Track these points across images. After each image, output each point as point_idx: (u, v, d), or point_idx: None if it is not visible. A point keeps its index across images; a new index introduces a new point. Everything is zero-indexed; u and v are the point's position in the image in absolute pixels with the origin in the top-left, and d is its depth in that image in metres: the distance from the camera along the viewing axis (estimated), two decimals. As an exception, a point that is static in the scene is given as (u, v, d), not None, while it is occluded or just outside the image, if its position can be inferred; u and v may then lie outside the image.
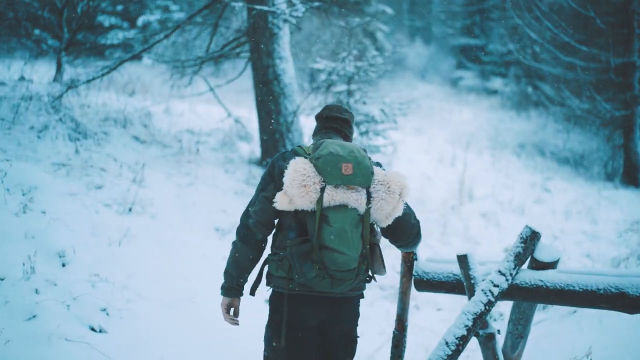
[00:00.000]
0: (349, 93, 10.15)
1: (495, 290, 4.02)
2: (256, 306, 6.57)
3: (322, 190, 3.55)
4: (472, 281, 4.15)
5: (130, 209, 7.89)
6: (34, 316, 5.32)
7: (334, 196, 3.54)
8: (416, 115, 24.17)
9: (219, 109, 14.71)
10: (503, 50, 32.42)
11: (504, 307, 7.97)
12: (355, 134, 10.27)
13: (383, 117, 10.25)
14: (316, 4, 10.26)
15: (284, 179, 3.57)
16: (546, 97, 23.83)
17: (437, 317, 8.01)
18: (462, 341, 3.90)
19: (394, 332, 4.56)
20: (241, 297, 4.00)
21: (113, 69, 10.93)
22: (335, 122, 4.06)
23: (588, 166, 19.00)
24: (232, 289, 3.92)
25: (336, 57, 10.45)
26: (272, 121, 10.23)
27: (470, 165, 16.83)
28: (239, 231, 3.84)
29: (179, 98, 14.97)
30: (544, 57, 21.23)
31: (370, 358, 6.56)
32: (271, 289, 3.87)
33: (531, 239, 4.05)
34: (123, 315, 5.88)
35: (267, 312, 3.88)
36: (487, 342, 4.22)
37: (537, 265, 4.11)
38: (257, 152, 11.52)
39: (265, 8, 9.17)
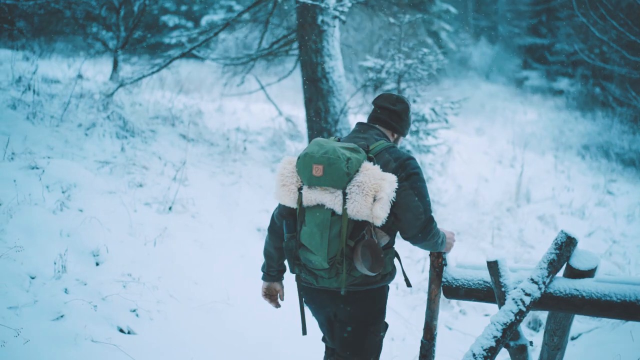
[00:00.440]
0: (399, 92, 9.89)
1: (527, 300, 3.78)
2: (289, 311, 6.43)
3: (301, 189, 3.72)
4: (503, 289, 3.91)
5: (170, 208, 7.80)
6: (61, 316, 5.23)
7: (310, 196, 3.66)
8: (479, 115, 23.83)
9: (271, 107, 14.62)
10: (570, 50, 31.66)
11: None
12: (408, 135, 10.01)
13: (433, 117, 9.96)
14: (364, -1, 10.05)
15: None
16: (613, 97, 23.15)
17: (483, 322, 7.73)
18: (491, 353, 3.67)
19: (422, 341, 4.34)
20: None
21: (163, 67, 10.90)
22: (383, 112, 4.03)
23: (654, 168, 18.39)
24: (266, 274, 4.20)
25: (386, 54, 10.18)
26: (320, 120, 10.04)
27: (531, 166, 16.42)
28: (269, 222, 4.08)
29: (231, 96, 14.89)
30: (610, 56, 20.60)
31: (409, 364, 6.34)
32: None
33: (566, 245, 3.79)
34: (153, 317, 5.76)
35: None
36: (519, 354, 3.98)
37: (573, 274, 3.85)
38: (306, 152, 11.36)
39: (310, 1, 8.96)
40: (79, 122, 9.51)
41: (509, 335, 3.72)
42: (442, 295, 4.36)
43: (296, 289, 4.13)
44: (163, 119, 10.79)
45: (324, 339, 4.29)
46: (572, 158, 18.81)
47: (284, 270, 4.22)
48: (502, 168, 15.52)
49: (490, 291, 4.06)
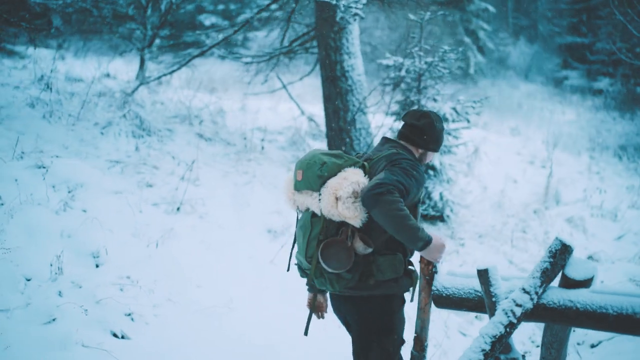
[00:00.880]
0: (419, 90, 9.65)
1: (518, 311, 3.56)
2: (292, 316, 6.26)
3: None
4: (494, 299, 3.70)
5: (178, 209, 7.67)
6: (53, 319, 5.14)
7: (298, 200, 3.95)
8: (515, 115, 23.47)
9: (294, 106, 14.45)
10: (610, 49, 31.06)
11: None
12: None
13: (454, 116, 9.71)
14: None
15: None
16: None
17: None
18: (478, 368, 3.46)
19: (412, 353, 4.12)
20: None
21: (183, 65, 10.84)
22: (407, 128, 4.15)
23: (694, 170, 17.85)
24: (309, 285, 4.22)
25: (406, 52, 9.94)
26: (339, 119, 9.86)
27: (563, 167, 16.05)
28: None
29: (256, 95, 14.74)
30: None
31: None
32: None
33: (561, 253, 3.56)
34: (149, 321, 5.62)
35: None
36: (510, 368, 3.76)
37: (568, 283, 3.62)
38: (325, 151, 11.16)
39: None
40: (95, 121, 9.44)
41: (498, 348, 3.52)
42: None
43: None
44: (182, 118, 10.68)
45: None
46: (609, 159, 18.36)
47: None
48: (533, 169, 15.16)
49: (481, 301, 3.84)
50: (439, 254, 3.82)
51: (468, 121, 9.83)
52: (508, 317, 3.55)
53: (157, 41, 18.62)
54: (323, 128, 12.82)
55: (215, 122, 11.22)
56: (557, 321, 3.60)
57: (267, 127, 12.36)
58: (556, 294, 3.59)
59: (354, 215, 3.67)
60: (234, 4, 30.49)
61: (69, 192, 6.99)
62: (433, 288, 3.97)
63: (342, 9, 8.40)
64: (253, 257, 7.31)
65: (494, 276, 3.70)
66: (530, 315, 3.62)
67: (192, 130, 10.33)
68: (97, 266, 6.12)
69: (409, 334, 4.21)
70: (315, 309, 4.29)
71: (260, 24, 11.83)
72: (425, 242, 3.68)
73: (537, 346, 7.06)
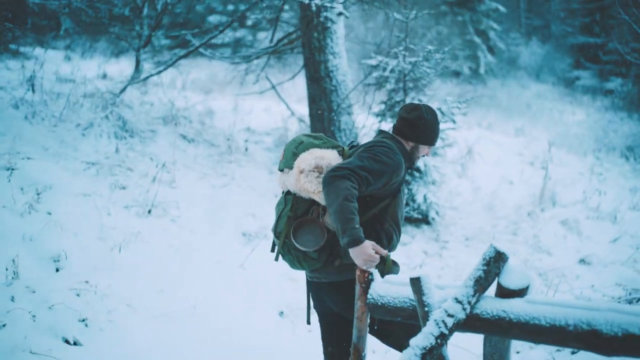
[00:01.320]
0: (404, 91, 9.48)
1: (450, 321, 3.40)
2: (262, 323, 6.14)
3: None
4: (426, 309, 3.53)
5: (149, 211, 7.55)
6: (3, 325, 5.01)
7: (280, 180, 4.05)
8: (523, 116, 23.25)
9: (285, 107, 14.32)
10: (623, 49, 30.69)
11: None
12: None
13: (440, 117, 9.53)
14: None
15: None
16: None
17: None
18: (407, 381, 3.31)
19: (349, 363, 3.98)
20: None
21: (169, 66, 10.77)
22: (398, 121, 4.19)
23: (702, 171, 17.54)
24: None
25: (391, 52, 9.77)
26: (323, 120, 9.72)
27: (566, 168, 15.83)
28: None
29: (247, 96, 14.61)
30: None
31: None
32: None
33: (495, 260, 3.40)
34: (104, 327, 5.49)
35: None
36: (443, 381, 3.60)
37: (503, 293, 3.45)
38: (312, 152, 11.00)
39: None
40: (78, 122, 9.34)
41: (429, 360, 3.36)
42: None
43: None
44: (168, 119, 10.56)
45: None
46: (615, 160, 18.10)
47: None
48: (532, 170, 14.91)
49: (416, 310, 3.69)
50: (361, 260, 3.65)
51: (454, 122, 9.64)
52: (439, 327, 3.40)
53: (166, 41, 18.63)
54: (312, 129, 12.69)
55: (202, 123, 11.10)
56: (491, 332, 3.45)
57: (257, 128, 12.24)
58: (490, 304, 3.43)
59: (316, 190, 3.77)
60: (243, 4, 30.44)
61: (38, 194, 6.89)
62: (369, 297, 3.82)
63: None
64: (223, 261, 7.18)
65: (426, 285, 3.54)
66: (463, 325, 3.46)
67: (176, 132, 10.20)
68: (57, 270, 6.01)
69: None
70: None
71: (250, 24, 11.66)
72: (351, 240, 3.57)
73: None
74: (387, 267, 3.93)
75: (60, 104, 9.87)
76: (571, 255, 10.22)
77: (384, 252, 3.75)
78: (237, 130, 11.63)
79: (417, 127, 4.11)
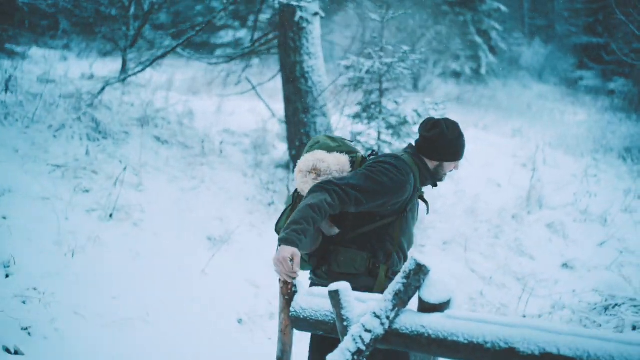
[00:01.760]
0: (381, 92, 9.32)
1: (367, 337, 3.25)
2: (221, 331, 6.01)
3: None
4: (345, 323, 3.37)
5: (111, 215, 7.39)
6: (-59, 334, 4.87)
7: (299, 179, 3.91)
8: (523, 116, 23.06)
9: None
10: (626, 49, 30.39)
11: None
12: (389, 137, 9.43)
13: (416, 119, 9.37)
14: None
15: None
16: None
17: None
18: (321, 401, 3.16)
19: (274, 378, 3.82)
20: None
21: (147, 66, 10.63)
22: (420, 139, 4.07)
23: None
24: None
25: (367, 53, 9.61)
26: (299, 122, 9.57)
27: (560, 169, 15.64)
28: None
29: (229, 96, 14.43)
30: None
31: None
32: None
33: (415, 273, 3.24)
34: (48, 335, 5.33)
35: None
36: (361, 400, 3.43)
37: (424, 307, 3.29)
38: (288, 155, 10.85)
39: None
40: (50, 124, 9.21)
41: (345, 378, 3.20)
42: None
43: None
44: (145, 120, 10.40)
45: None
46: (613, 161, 17.88)
47: None
48: (524, 172, 14.69)
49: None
50: (275, 259, 3.46)
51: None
52: (356, 343, 3.24)
53: (163, 41, 18.49)
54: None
55: (181, 124, 10.95)
56: (411, 348, 3.29)
57: (237, 130, 12.08)
58: (410, 319, 3.28)
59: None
60: (243, 5, 30.30)
61: (-4, 198, 6.76)
62: (291, 309, 3.67)
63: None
64: (184, 266, 7.02)
65: (346, 298, 3.38)
66: (383, 340, 3.30)
67: (151, 133, 10.05)
68: (7, 276, 5.86)
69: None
70: None
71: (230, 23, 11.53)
72: (282, 238, 3.44)
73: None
74: (378, 281, 3.90)
75: (37, 105, 9.74)
76: (554, 259, 10.06)
77: (295, 274, 3.54)
78: (216, 131, 11.49)
79: (439, 145, 3.97)
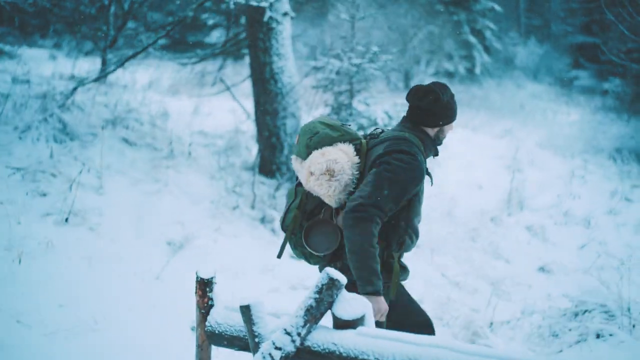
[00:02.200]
0: (351, 93, 9.17)
1: (277, 354, 3.10)
2: (174, 339, 5.86)
3: None
4: (257, 339, 3.22)
5: (66, 220, 7.22)
6: None
7: (294, 165, 3.93)
8: (515, 116, 22.90)
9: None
10: (622, 49, 30.20)
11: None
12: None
13: (387, 120, 9.22)
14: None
15: None
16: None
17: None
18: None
19: (194, 396, 3.67)
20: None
21: (119, 67, 10.50)
22: (412, 109, 3.96)
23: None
24: None
25: (337, 54, 9.45)
26: (268, 124, 9.42)
27: (546, 170, 15.48)
28: None
29: (208, 96, 14.26)
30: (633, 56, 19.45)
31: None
32: None
33: (328, 288, 3.08)
34: (-17, 346, 5.18)
35: None
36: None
37: (337, 324, 3.15)
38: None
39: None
40: (16, 125, 9.06)
41: (254, 398, 3.05)
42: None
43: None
44: (116, 121, 10.24)
45: None
46: (602, 162, 17.70)
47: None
48: (509, 173, 14.48)
49: (253, 340, 3.38)
50: (376, 310, 3.59)
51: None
52: (266, 361, 3.09)
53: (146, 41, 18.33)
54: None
55: (154, 125, 10.77)
56: (323, 367, 3.14)
57: (211, 131, 11.92)
58: (322, 336, 3.13)
59: (327, 194, 3.66)
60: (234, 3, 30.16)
61: (-53, 203, 6.61)
62: (207, 324, 3.52)
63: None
64: (140, 272, 6.85)
65: (258, 313, 3.23)
66: (294, 358, 3.15)
67: (119, 135, 9.88)
68: (-51, 284, 5.71)
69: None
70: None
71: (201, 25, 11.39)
72: (373, 291, 3.55)
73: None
74: (394, 274, 3.78)
75: (7, 107, 9.60)
76: (531, 262, 9.89)
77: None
78: (189, 133, 11.31)
79: (437, 111, 3.89)
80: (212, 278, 3.52)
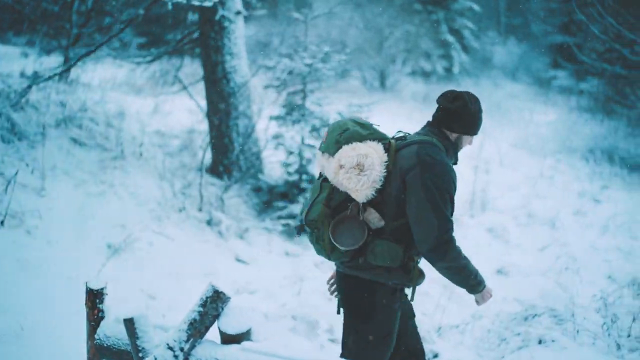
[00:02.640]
0: (304, 94, 9.03)
1: (159, 370, 2.95)
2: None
3: None
4: (141, 354, 3.08)
5: (2, 222, 7.03)
6: None
7: (320, 161, 3.91)
8: (491, 116, 22.71)
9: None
10: (600, 49, 30.21)
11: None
12: (312, 141, 9.14)
13: (346, 122, 9.06)
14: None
15: None
16: (613, 99, 21.90)
17: None
18: None
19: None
20: None
21: (72, 66, 10.29)
22: (440, 111, 3.98)
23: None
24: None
25: (290, 53, 9.32)
26: (221, 124, 9.27)
27: (515, 171, 15.40)
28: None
29: (168, 95, 14.06)
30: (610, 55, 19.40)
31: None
32: None
33: (212, 301, 2.95)
34: None
35: None
36: None
37: (223, 338, 3.02)
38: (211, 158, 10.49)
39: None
40: (-38, 125, 8.87)
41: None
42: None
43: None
44: (68, 121, 10.03)
45: None
46: (575, 162, 17.62)
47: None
48: (474, 175, 14.35)
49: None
50: (483, 299, 4.05)
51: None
52: (148, 378, 2.95)
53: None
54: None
55: (109, 125, 10.56)
56: (207, 384, 3.00)
57: (168, 131, 11.73)
58: (207, 351, 2.99)
59: (355, 188, 3.65)
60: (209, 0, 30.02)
61: None
62: (96, 337, 3.36)
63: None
64: (75, 276, 6.67)
65: (142, 327, 3.09)
66: (177, 375, 3.01)
67: (66, 135, 9.66)
68: None
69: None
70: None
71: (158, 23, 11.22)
72: (482, 288, 3.93)
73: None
74: (413, 278, 3.83)
75: (-43, 107, 9.40)
76: (490, 265, 9.78)
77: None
78: (144, 132, 11.10)
79: (462, 117, 3.91)
80: (102, 289, 3.37)
